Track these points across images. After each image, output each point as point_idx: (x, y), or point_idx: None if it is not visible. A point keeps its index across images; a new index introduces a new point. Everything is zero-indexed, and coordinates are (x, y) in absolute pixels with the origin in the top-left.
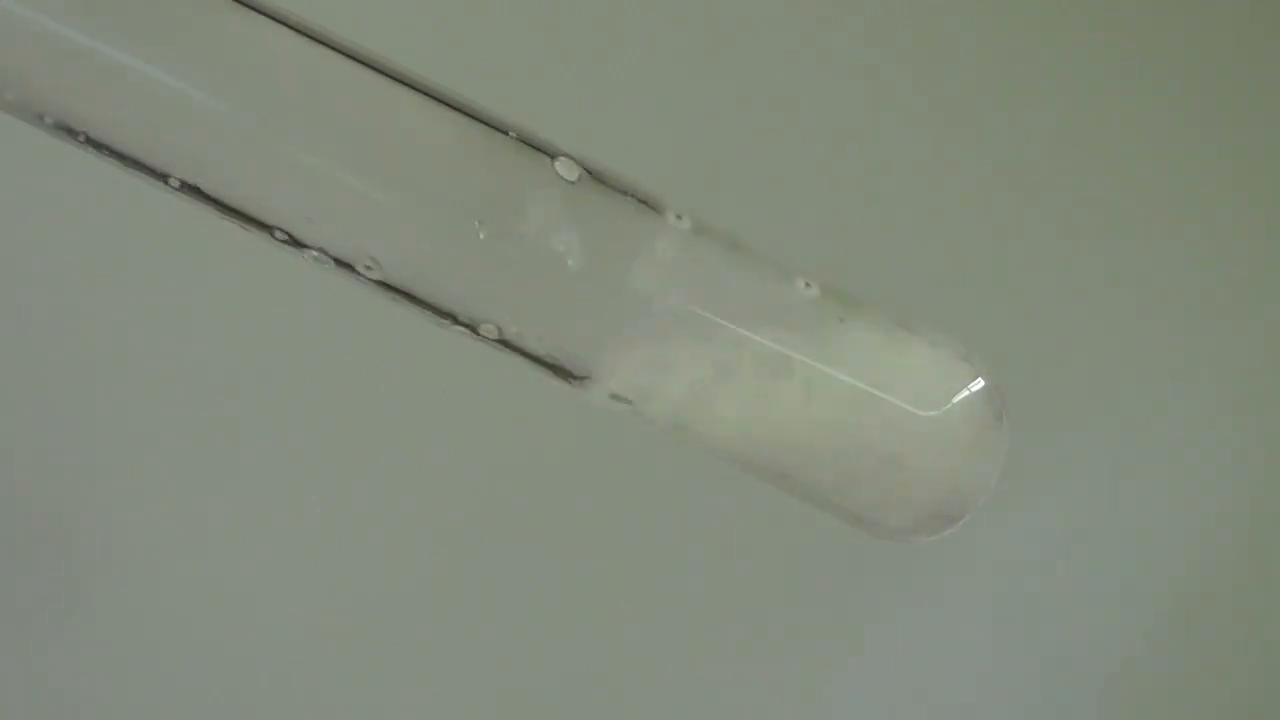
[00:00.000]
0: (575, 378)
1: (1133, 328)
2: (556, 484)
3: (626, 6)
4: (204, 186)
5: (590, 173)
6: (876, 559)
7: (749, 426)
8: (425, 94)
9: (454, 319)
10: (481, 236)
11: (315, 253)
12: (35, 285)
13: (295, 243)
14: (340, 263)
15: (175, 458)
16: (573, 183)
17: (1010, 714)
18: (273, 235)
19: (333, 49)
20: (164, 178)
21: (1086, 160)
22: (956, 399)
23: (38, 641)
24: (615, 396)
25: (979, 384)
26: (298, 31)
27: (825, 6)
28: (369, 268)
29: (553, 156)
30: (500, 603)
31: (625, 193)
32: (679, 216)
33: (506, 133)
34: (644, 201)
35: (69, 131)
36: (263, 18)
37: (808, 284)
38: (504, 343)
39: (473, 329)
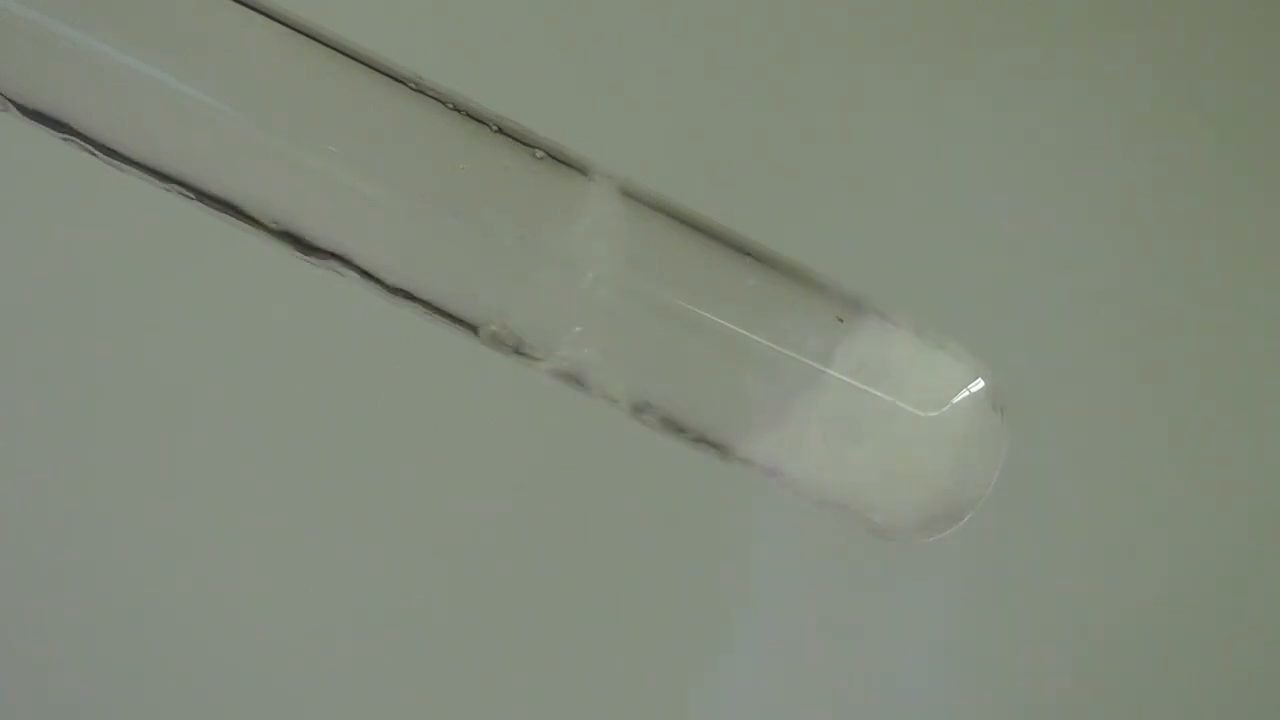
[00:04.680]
0: (576, 382)
1: (1134, 327)
2: (554, 485)
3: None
4: (202, 186)
5: (562, 159)
6: (875, 559)
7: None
8: (405, 84)
9: (451, 316)
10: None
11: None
12: (33, 285)
13: (252, 220)
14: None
15: (174, 460)
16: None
17: (1009, 714)
18: (241, 220)
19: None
20: (164, 177)
21: (1090, 158)
22: (956, 399)
23: (36, 644)
24: (610, 394)
25: (979, 384)
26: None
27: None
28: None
29: (529, 146)
30: (503, 606)
31: (602, 178)
32: (677, 213)
33: (491, 126)
34: (628, 191)
35: (64, 129)
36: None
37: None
38: (494, 340)
39: (468, 324)
